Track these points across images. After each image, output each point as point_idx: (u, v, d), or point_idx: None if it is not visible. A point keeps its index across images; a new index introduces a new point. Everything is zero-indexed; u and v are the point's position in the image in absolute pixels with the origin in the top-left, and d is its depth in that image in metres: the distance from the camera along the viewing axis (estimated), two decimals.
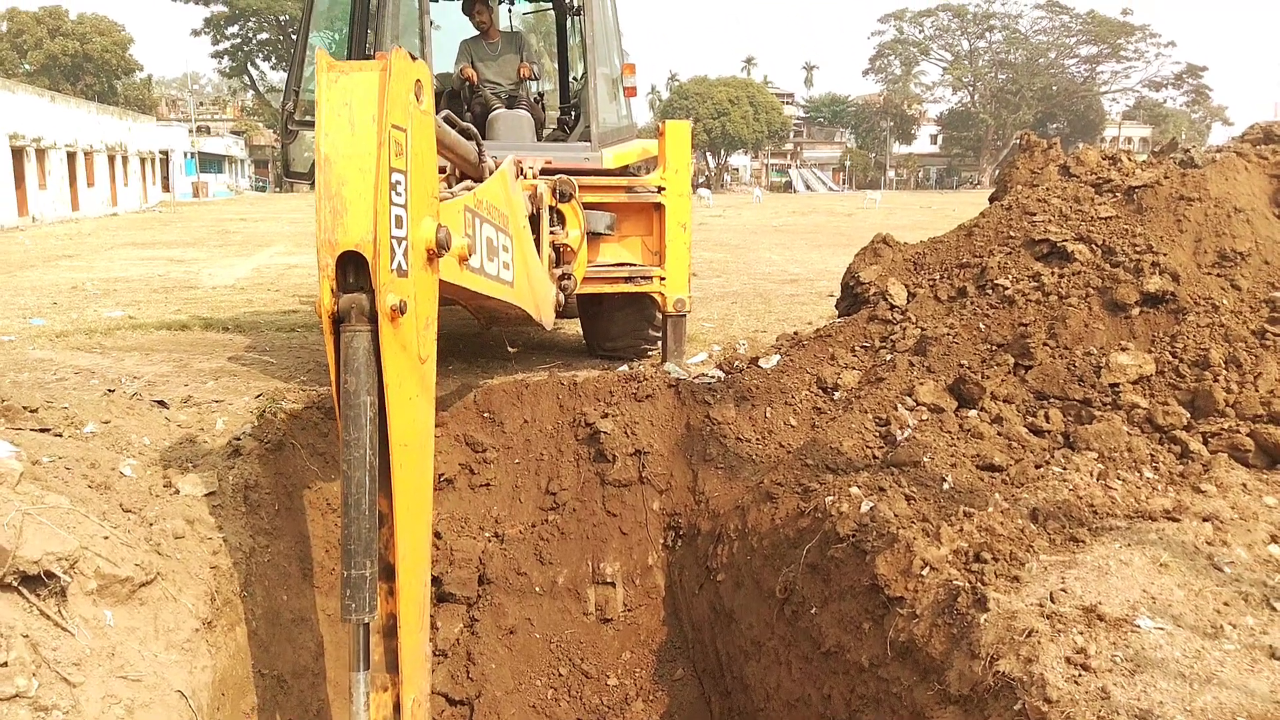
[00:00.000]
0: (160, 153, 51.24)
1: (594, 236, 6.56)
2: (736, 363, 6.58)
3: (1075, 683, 2.86)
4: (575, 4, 8.20)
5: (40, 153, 34.05)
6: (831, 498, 4.46)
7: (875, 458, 4.93)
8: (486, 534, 5.89)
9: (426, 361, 3.03)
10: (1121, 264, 5.33)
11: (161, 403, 5.57)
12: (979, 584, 3.46)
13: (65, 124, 36.40)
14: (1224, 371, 4.64)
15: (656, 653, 5.71)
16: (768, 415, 5.84)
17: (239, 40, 70.40)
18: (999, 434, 4.77)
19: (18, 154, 32.16)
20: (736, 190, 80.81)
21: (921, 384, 5.31)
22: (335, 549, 5.14)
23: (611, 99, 7.41)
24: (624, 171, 7.17)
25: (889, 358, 5.75)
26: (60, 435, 4.56)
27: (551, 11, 9.45)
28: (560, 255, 5.78)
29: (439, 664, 5.44)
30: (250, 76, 74.36)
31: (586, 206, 6.19)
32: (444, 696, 5.44)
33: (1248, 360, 4.65)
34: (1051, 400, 4.95)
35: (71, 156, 36.85)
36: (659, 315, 7.23)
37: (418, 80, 2.83)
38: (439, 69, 7.66)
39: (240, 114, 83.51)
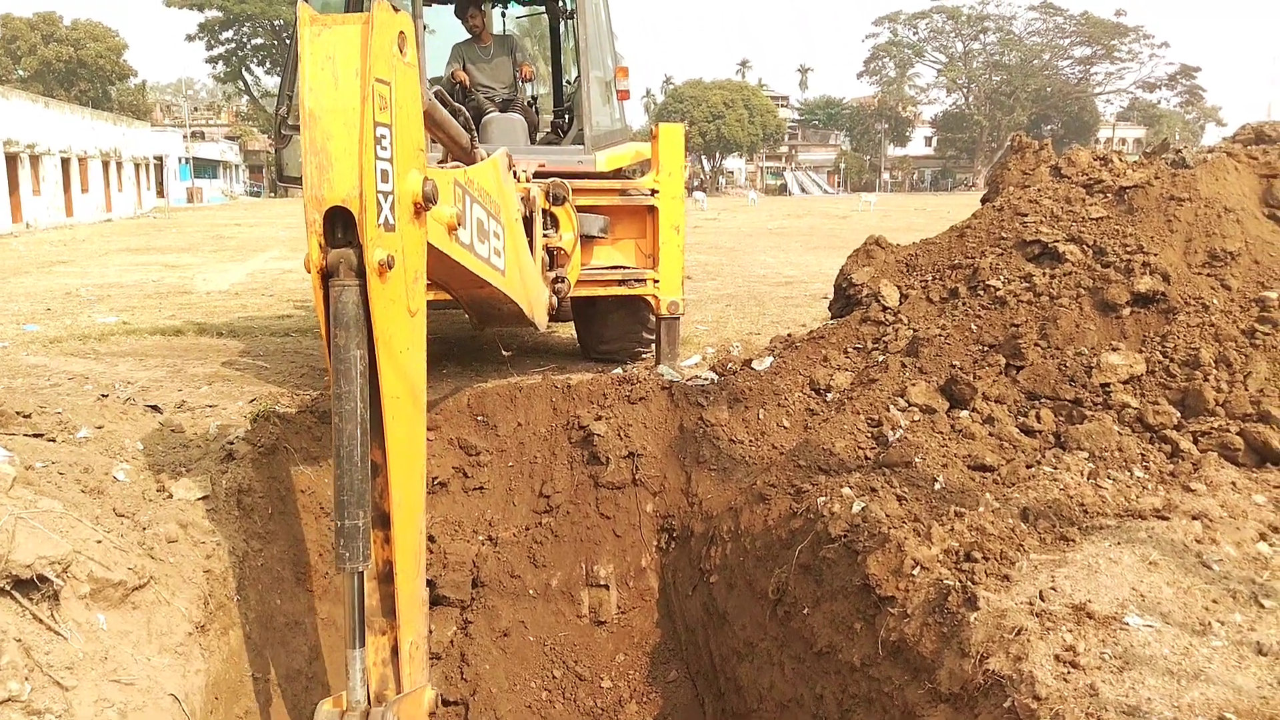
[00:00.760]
0: (155, 158, 51.21)
1: (588, 239, 6.58)
2: (730, 365, 6.60)
3: (1064, 680, 2.87)
4: (568, 7, 8.23)
5: (34, 159, 34.04)
6: (824, 498, 4.47)
7: (867, 458, 4.95)
8: (480, 537, 5.90)
9: (416, 314, 3.04)
10: (1112, 264, 5.35)
11: (155, 408, 5.58)
12: (969, 583, 3.47)
13: (59, 130, 36.40)
14: (1214, 371, 4.66)
15: (650, 654, 5.71)
16: (761, 417, 5.85)
17: (233, 45, 70.42)
18: (990, 434, 4.78)
19: (12, 160, 32.15)
20: (731, 193, 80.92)
21: (913, 385, 5.33)
22: (329, 553, 5.15)
23: (605, 102, 7.43)
24: (618, 175, 7.19)
25: (881, 359, 5.77)
26: (54, 440, 4.56)
27: (544, 15, 9.47)
28: (554, 258, 5.80)
29: (433, 666, 5.44)
30: (245, 82, 74.40)
31: (580, 210, 6.21)
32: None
33: (1238, 359, 4.67)
34: (1043, 400, 4.97)
35: (66, 162, 36.84)
36: (653, 318, 7.24)
37: (401, 32, 2.82)
38: (431, 74, 7.67)
39: (235, 119, 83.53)
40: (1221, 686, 2.76)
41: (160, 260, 18.86)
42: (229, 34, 69.30)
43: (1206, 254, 5.37)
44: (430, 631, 5.40)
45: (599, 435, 5.94)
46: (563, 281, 5.83)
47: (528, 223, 5.07)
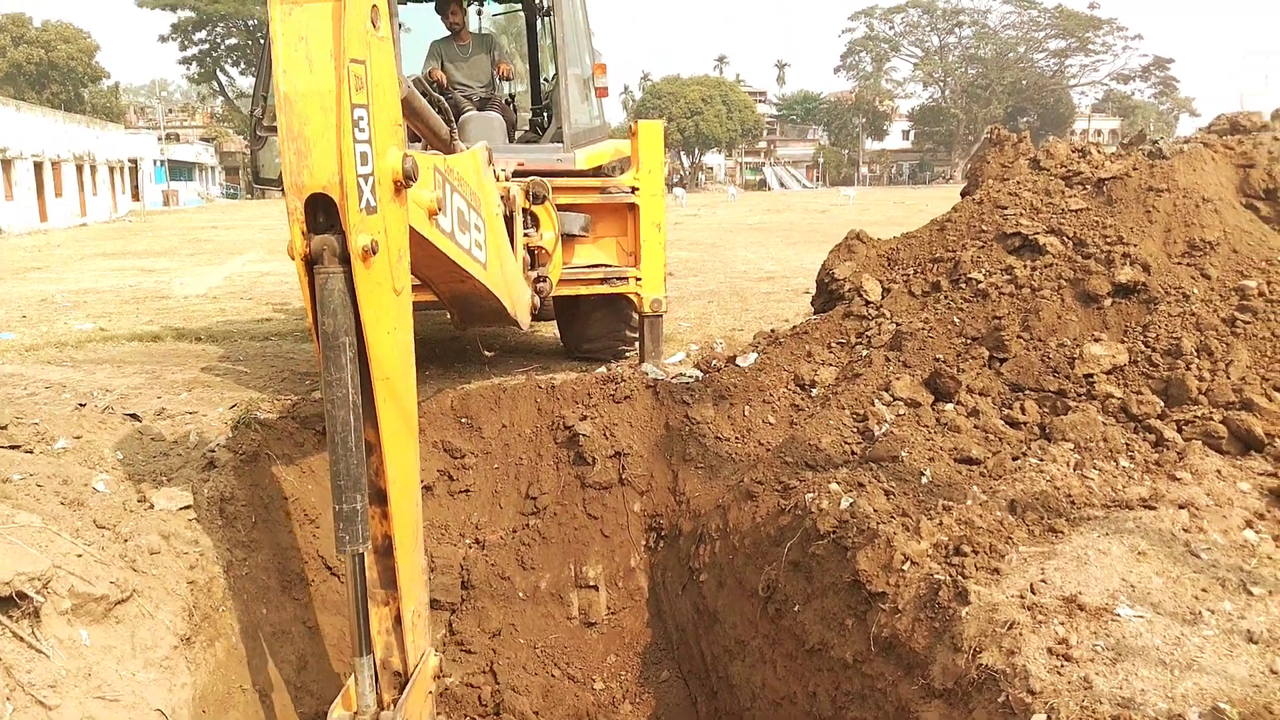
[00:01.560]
0: (129, 161, 50.67)
1: (568, 238, 6.54)
2: (714, 362, 6.58)
3: (1058, 673, 2.87)
4: (545, 5, 8.18)
5: (6, 163, 33.60)
6: (811, 495, 4.46)
7: (854, 453, 4.94)
8: (467, 540, 5.86)
9: (402, 294, 3.04)
10: (1093, 255, 5.37)
11: (134, 416, 5.50)
12: (960, 577, 3.47)
13: (31, 133, 35.93)
14: (1196, 360, 4.69)
15: (641, 655, 5.69)
16: (746, 414, 5.84)
17: (207, 46, 69.65)
18: (975, 427, 4.79)
19: None
20: (711, 189, 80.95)
21: (898, 379, 5.33)
22: (314, 561, 5.10)
23: (583, 100, 7.39)
24: (597, 172, 7.15)
25: (865, 353, 5.77)
26: (31, 451, 4.49)
27: (521, 13, 9.41)
28: (535, 258, 5.76)
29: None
30: (219, 82, 73.61)
31: (560, 208, 6.17)
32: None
33: (1219, 348, 4.70)
34: (1027, 392, 4.98)
35: (39, 166, 36.37)
36: (635, 316, 7.22)
37: (374, 6, 2.78)
38: (406, 73, 7.60)
39: (210, 120, 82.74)
40: (1214, 676, 2.77)
41: (137, 265, 18.66)
42: (202, 35, 68.52)
43: (1186, 244, 5.40)
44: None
45: (584, 435, 5.91)
46: (545, 281, 5.79)
47: (508, 222, 5.03)
